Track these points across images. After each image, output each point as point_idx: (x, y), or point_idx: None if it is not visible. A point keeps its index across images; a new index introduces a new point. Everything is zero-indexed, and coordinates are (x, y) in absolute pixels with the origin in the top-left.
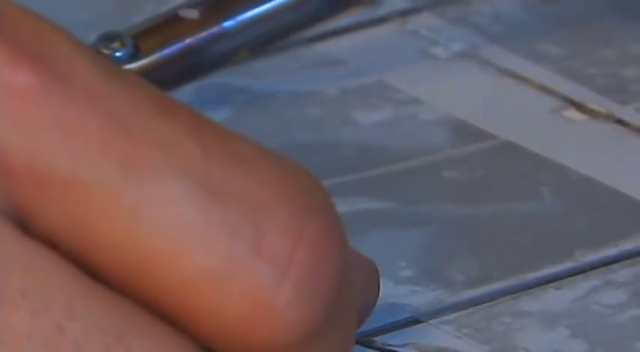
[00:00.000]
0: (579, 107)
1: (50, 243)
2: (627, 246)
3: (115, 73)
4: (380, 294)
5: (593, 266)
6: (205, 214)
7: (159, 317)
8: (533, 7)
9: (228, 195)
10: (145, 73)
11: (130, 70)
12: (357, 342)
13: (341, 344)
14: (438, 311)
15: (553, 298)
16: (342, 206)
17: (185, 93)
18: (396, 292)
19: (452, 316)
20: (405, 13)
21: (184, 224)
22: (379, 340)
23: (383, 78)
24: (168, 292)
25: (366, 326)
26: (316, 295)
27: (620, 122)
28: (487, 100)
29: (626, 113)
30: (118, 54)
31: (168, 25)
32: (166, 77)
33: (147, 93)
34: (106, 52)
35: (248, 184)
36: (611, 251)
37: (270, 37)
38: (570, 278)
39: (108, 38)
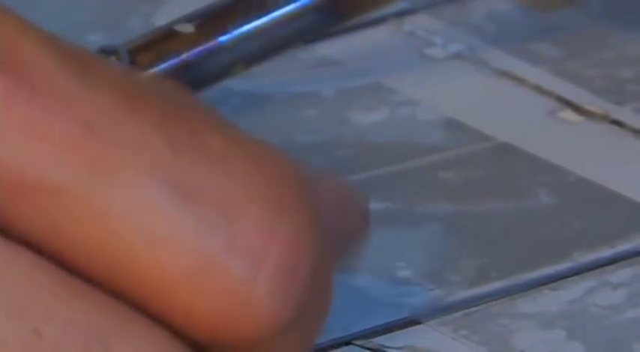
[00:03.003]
0: (576, 108)
1: (28, 245)
2: (624, 247)
3: (82, 73)
4: (377, 293)
5: (589, 268)
6: (176, 214)
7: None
8: (529, 7)
9: (199, 193)
10: None
11: (103, 64)
12: (354, 344)
13: (316, 329)
14: (435, 312)
15: (550, 299)
16: None
17: None
18: (394, 292)
19: (449, 317)
20: (401, 14)
21: (155, 224)
22: (376, 341)
23: (380, 79)
24: (144, 291)
25: (363, 327)
26: (290, 290)
27: (616, 123)
28: (484, 101)
29: (622, 114)
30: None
31: (164, 40)
32: None
33: (115, 91)
34: None
35: (219, 181)
36: (607, 252)
37: (266, 51)
38: (567, 280)
39: (105, 52)
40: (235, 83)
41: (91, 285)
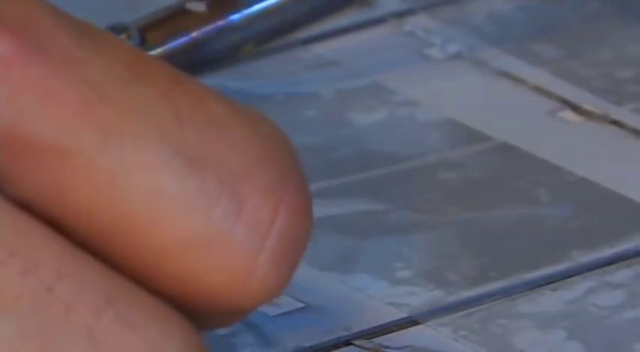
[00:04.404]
0: (575, 108)
1: (25, 208)
2: (623, 247)
3: (94, 40)
4: (377, 293)
5: (589, 268)
6: (182, 181)
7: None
8: (528, 8)
9: (204, 161)
10: None
11: (107, 34)
12: (354, 344)
13: None
14: (435, 312)
15: (549, 299)
16: (339, 207)
17: None
18: (393, 293)
19: (449, 317)
20: (400, 15)
21: (161, 191)
22: (376, 341)
23: (379, 79)
24: (145, 258)
25: (363, 327)
26: (291, 261)
27: (615, 123)
28: (483, 102)
29: (621, 114)
30: None
31: (175, 18)
32: None
33: (124, 58)
34: None
35: (225, 149)
36: (607, 252)
37: (276, 31)
38: (567, 280)
39: (115, 30)
40: (233, 83)
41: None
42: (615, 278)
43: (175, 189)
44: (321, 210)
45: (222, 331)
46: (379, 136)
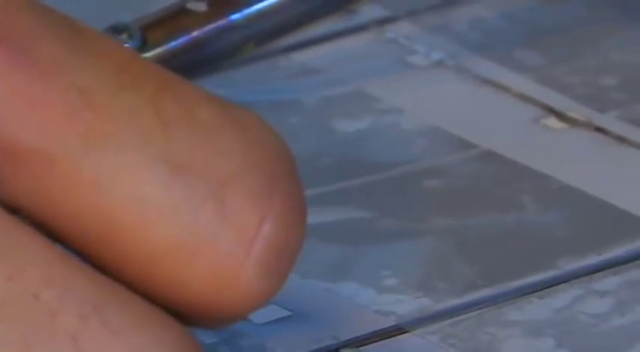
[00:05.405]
0: (559, 115)
1: (14, 212)
2: (610, 254)
3: (82, 43)
4: (364, 301)
5: (576, 275)
6: (166, 186)
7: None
8: (512, 15)
9: (189, 166)
10: None
11: (97, 35)
12: None
13: None
14: (422, 320)
15: (537, 307)
16: (324, 215)
17: None
18: (381, 301)
19: (437, 326)
20: (382, 22)
21: (145, 195)
22: (364, 350)
23: (362, 87)
24: (132, 264)
25: (351, 336)
26: (280, 268)
27: (600, 130)
28: (467, 109)
29: (606, 121)
30: (126, 45)
31: (176, 18)
32: (173, 70)
33: (113, 62)
34: None
35: (210, 155)
36: (594, 260)
37: (277, 31)
38: (554, 288)
39: (116, 29)
40: (216, 90)
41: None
42: (602, 285)
43: (159, 193)
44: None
45: (208, 339)
46: (363, 144)
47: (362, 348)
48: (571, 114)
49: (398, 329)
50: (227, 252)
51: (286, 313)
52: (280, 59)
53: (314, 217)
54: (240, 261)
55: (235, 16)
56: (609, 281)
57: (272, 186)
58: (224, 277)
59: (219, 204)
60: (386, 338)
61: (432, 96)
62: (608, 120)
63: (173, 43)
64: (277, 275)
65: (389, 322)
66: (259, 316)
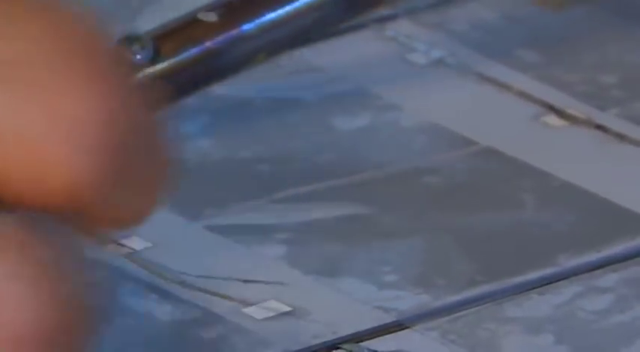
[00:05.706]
0: (559, 113)
1: None
2: (610, 251)
3: None
4: (364, 297)
5: (576, 272)
6: None
7: None
8: (511, 13)
9: (13, 71)
10: (164, 76)
11: None
12: (342, 348)
13: (151, 195)
14: (422, 317)
15: (537, 304)
16: (325, 212)
17: None
18: (380, 297)
19: (436, 322)
20: (382, 20)
21: None
22: (363, 345)
23: (362, 84)
24: None
25: (350, 331)
26: (98, 149)
27: (599, 128)
28: (467, 107)
29: (605, 119)
30: (138, 56)
31: (188, 28)
32: (186, 80)
33: None
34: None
35: (33, 59)
36: (593, 257)
37: (289, 41)
38: (554, 284)
39: (128, 39)
40: (217, 88)
41: None
42: (602, 282)
43: None
44: (306, 214)
45: (208, 334)
46: (363, 141)
47: (362, 344)
48: (571, 111)
49: (398, 325)
50: (32, 133)
51: (287, 309)
52: (280, 57)
53: (314, 213)
54: (49, 141)
55: (247, 27)
56: (609, 278)
57: (93, 80)
58: (34, 160)
59: (24, 87)
60: (386, 333)
61: (432, 94)
62: (608, 118)
63: (185, 54)
64: (93, 152)
65: (389, 318)
66: (259, 312)
